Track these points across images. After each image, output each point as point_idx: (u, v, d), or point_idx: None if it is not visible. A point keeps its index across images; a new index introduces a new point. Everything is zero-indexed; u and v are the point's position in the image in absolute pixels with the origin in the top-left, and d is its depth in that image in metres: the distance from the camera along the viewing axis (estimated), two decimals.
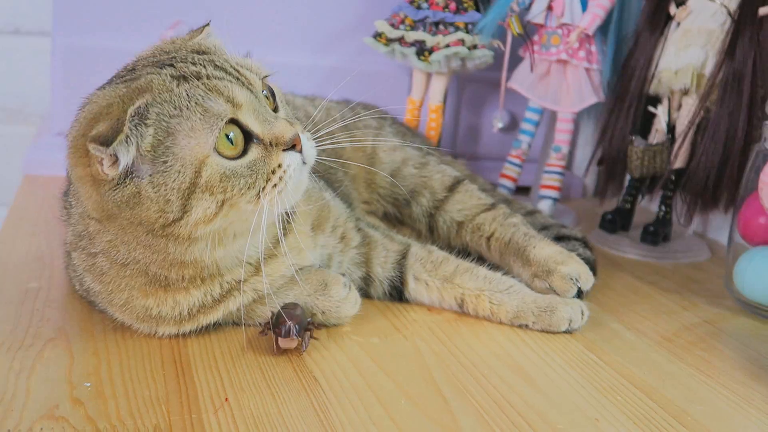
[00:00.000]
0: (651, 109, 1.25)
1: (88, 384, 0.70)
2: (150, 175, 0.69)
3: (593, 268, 1.01)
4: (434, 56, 1.28)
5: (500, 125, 1.37)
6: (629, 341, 0.91)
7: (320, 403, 0.70)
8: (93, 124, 0.70)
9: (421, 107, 1.36)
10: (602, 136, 1.31)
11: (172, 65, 0.73)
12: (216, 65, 0.74)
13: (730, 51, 1.16)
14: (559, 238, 1.08)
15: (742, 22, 1.15)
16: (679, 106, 1.23)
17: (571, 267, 0.94)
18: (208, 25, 0.84)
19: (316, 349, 0.80)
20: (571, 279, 0.94)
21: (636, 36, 1.26)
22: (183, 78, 0.72)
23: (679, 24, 1.20)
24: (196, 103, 0.70)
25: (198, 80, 0.72)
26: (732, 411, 0.77)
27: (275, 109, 0.78)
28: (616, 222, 1.29)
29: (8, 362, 0.72)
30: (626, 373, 0.82)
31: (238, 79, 0.74)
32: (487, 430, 0.68)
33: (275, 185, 0.74)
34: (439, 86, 1.34)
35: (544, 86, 1.31)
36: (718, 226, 1.34)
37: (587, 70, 1.29)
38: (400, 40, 1.29)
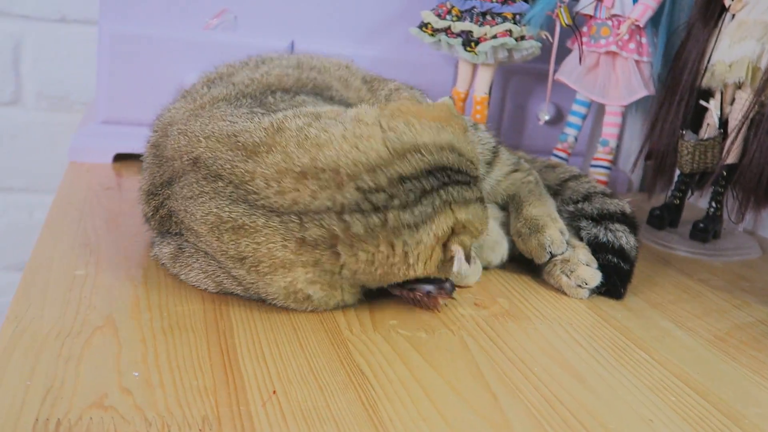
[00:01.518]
0: (703, 103, 1.22)
1: (137, 373, 0.69)
2: None
3: (629, 258, 0.99)
4: (481, 47, 1.26)
5: (546, 118, 1.35)
6: (680, 340, 0.88)
7: (368, 396, 0.69)
8: None
9: (466, 99, 1.34)
10: (651, 130, 1.28)
11: None
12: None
13: None
14: (602, 216, 1.05)
15: None
16: (732, 100, 1.20)
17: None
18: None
19: (362, 342, 0.79)
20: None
21: (688, 28, 1.23)
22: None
23: (734, 16, 1.17)
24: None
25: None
26: None
27: None
28: (665, 218, 1.26)
29: (57, 349, 0.72)
30: (678, 373, 0.80)
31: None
32: (539, 428, 0.67)
33: None
34: (485, 77, 1.32)
35: (593, 78, 1.29)
36: None
37: (637, 62, 1.26)
38: (447, 31, 1.28)
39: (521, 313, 0.90)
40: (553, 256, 0.98)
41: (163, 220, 0.90)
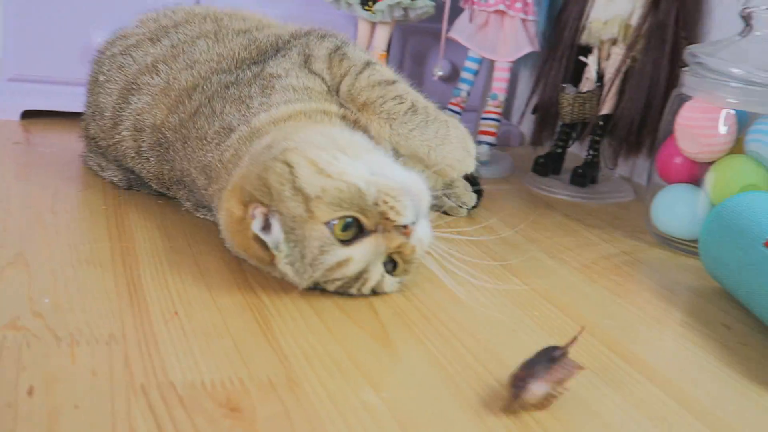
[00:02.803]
0: (582, 58, 1.32)
1: (47, 300, 0.75)
2: None
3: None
4: (378, 6, 1.33)
5: (441, 73, 1.43)
6: (551, 268, 0.98)
7: (262, 315, 0.77)
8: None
9: None
10: (536, 85, 1.38)
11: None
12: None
13: (654, 2, 1.23)
14: None
15: None
16: (608, 56, 1.30)
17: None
18: None
19: (258, 271, 0.86)
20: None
21: None
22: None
23: None
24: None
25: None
26: (639, 325, 0.85)
27: None
28: (548, 165, 1.37)
29: None
30: (545, 294, 0.90)
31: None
32: (413, 336, 0.76)
33: None
34: (382, 35, 1.39)
35: (483, 36, 1.38)
36: (643, 170, 1.42)
37: (523, 20, 1.35)
38: None
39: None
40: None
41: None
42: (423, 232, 0.81)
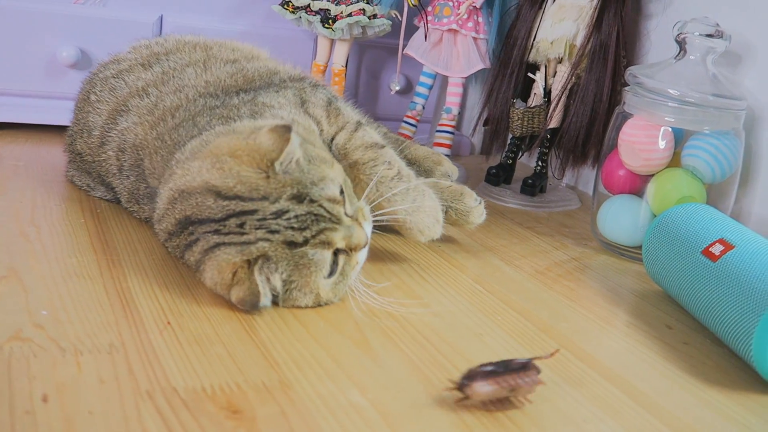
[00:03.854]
0: (530, 75, 1.40)
1: (45, 312, 0.79)
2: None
3: None
4: (338, 24, 1.39)
5: (397, 88, 1.50)
6: (508, 274, 1.06)
7: (249, 324, 0.82)
8: (229, 290, 0.83)
9: (325, 71, 1.48)
10: (487, 99, 1.46)
11: (279, 232, 0.82)
12: (315, 216, 0.83)
13: (597, 24, 1.32)
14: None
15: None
16: (555, 73, 1.39)
17: (447, 166, 1.24)
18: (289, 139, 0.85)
19: None
20: (448, 175, 1.23)
21: (518, 9, 1.41)
22: (293, 244, 0.82)
23: (554, 0, 1.36)
24: (307, 260, 0.83)
25: (306, 244, 0.82)
26: (591, 327, 0.93)
27: (343, 203, 0.87)
28: (500, 176, 1.45)
29: None
30: (505, 299, 0.97)
31: (330, 220, 0.84)
32: (391, 342, 0.82)
33: (353, 269, 0.89)
34: (341, 51, 1.46)
35: (437, 53, 1.45)
36: (588, 179, 1.52)
37: (475, 39, 1.43)
38: (306, 9, 1.40)
39: (376, 256, 1.05)
40: None
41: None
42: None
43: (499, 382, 0.71)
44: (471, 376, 0.71)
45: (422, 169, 1.22)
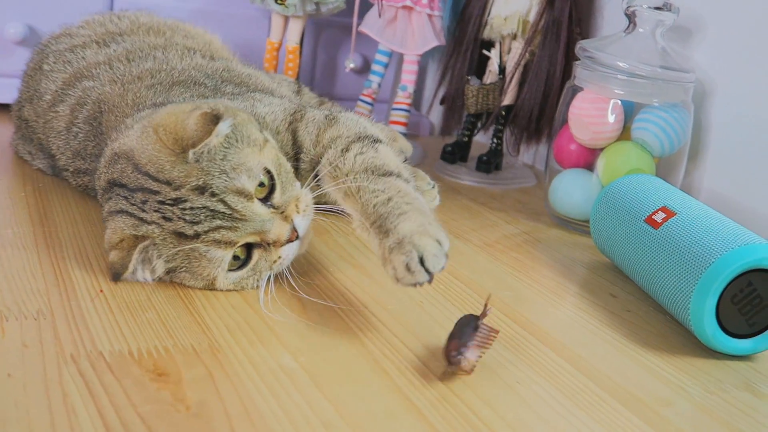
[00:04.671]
0: (485, 52, 1.40)
1: None
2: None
3: None
4: (290, 0, 1.38)
5: (352, 65, 1.49)
6: (457, 247, 1.06)
7: (185, 293, 0.81)
8: (110, 250, 0.80)
9: (279, 48, 1.46)
10: (443, 77, 1.46)
11: (171, 220, 0.78)
12: (211, 212, 0.77)
13: (550, 1, 1.32)
14: None
15: None
16: (509, 50, 1.38)
17: (401, 142, 1.22)
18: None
19: None
20: (402, 152, 1.18)
21: None
22: (183, 235, 0.78)
23: None
24: (199, 254, 0.79)
25: (197, 239, 0.78)
26: (535, 296, 0.93)
27: (271, 191, 0.81)
28: (456, 153, 1.44)
29: None
30: (451, 270, 0.97)
31: (231, 217, 0.78)
32: (328, 309, 0.82)
33: (276, 263, 0.83)
34: (295, 29, 1.45)
35: (392, 30, 1.44)
36: (545, 157, 1.52)
37: (429, 16, 1.42)
38: None
39: (323, 229, 1.05)
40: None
41: None
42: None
43: (479, 345, 0.72)
44: (459, 347, 0.71)
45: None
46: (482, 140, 1.56)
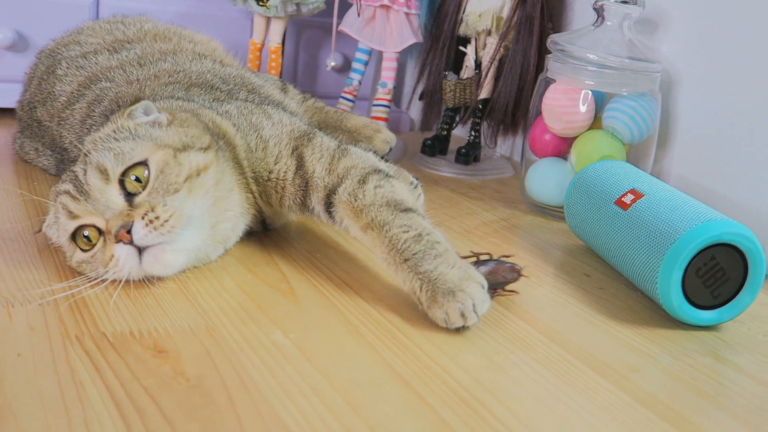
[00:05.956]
0: (461, 48, 1.45)
1: None
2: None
3: None
4: (271, 2, 1.42)
5: (332, 63, 1.54)
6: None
7: (181, 279, 0.85)
8: None
9: (262, 49, 1.51)
10: (421, 73, 1.51)
11: (65, 181, 0.84)
12: (74, 175, 0.83)
13: None
14: None
15: None
16: (484, 45, 1.43)
17: (386, 133, 1.27)
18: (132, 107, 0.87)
19: None
20: (387, 142, 1.25)
21: None
22: (57, 193, 0.84)
23: None
24: (56, 217, 0.84)
25: (56, 199, 0.84)
26: None
27: (143, 187, 0.81)
28: (435, 146, 1.49)
29: None
30: None
31: (81, 189, 0.81)
32: (315, 290, 0.86)
33: (113, 272, 0.80)
34: (277, 29, 1.49)
35: (371, 29, 1.49)
36: (521, 149, 1.57)
37: (407, 14, 1.47)
38: None
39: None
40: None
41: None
42: None
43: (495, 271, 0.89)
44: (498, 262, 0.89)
45: (362, 137, 1.27)
46: (460, 134, 1.61)
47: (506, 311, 0.87)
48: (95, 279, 0.81)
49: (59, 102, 1.11)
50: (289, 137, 0.95)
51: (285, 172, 0.93)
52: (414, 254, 0.81)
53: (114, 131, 0.84)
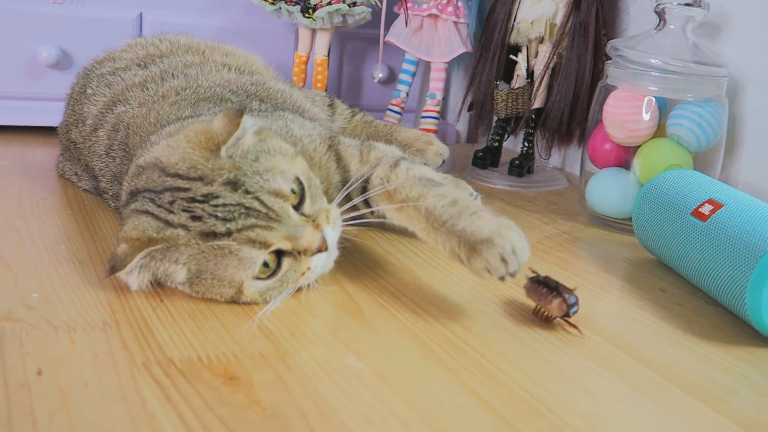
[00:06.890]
0: (512, 56, 1.41)
1: (36, 295, 0.79)
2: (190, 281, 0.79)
3: None
4: (318, 13, 1.39)
5: (380, 75, 1.51)
6: None
7: (246, 303, 0.82)
8: (120, 242, 0.78)
9: (307, 62, 1.48)
10: (471, 83, 1.47)
11: (201, 219, 0.76)
12: (246, 209, 0.76)
13: (576, 2, 1.33)
14: None
15: None
16: (536, 54, 1.39)
17: (438, 145, 1.26)
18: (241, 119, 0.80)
19: None
20: (440, 154, 1.24)
21: None
22: (213, 234, 0.76)
23: None
24: (229, 252, 0.76)
25: (228, 237, 0.76)
26: (584, 292, 0.93)
27: (301, 201, 0.81)
28: (487, 158, 1.45)
29: None
30: None
31: (266, 216, 0.77)
32: (386, 311, 0.82)
33: (304, 275, 0.81)
34: (323, 41, 1.46)
35: (418, 39, 1.46)
36: (575, 160, 1.52)
37: (455, 23, 1.44)
38: None
39: (368, 236, 1.05)
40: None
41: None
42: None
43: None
44: (553, 290, 0.82)
45: (414, 150, 1.24)
46: (509, 146, 1.57)
47: (583, 328, 0.82)
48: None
49: (87, 125, 1.08)
50: (320, 138, 0.97)
51: (324, 168, 0.95)
52: (451, 216, 0.82)
53: (245, 151, 0.79)
